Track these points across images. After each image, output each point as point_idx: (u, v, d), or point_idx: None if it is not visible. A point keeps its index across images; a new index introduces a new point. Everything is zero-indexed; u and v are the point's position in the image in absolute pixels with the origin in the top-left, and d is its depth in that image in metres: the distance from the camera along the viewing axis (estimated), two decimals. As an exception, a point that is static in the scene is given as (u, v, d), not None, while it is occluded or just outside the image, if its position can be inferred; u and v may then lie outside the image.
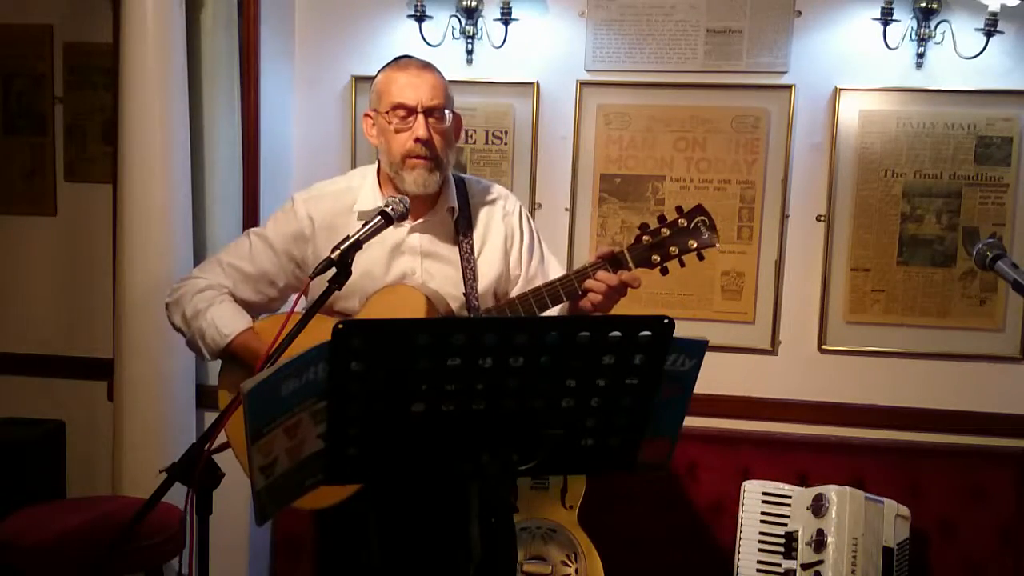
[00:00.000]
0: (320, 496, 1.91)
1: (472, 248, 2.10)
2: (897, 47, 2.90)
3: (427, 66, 2.06)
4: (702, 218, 1.98)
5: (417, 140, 1.98)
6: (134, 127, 2.85)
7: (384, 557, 2.03)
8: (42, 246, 3.38)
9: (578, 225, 3.13)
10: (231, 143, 3.06)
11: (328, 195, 2.11)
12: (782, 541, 2.80)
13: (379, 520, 2.02)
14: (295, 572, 3.14)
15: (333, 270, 1.72)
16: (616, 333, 1.47)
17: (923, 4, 2.84)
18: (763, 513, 2.85)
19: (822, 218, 3.03)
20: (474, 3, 2.98)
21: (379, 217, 1.82)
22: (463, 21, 3.02)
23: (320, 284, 1.74)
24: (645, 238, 1.99)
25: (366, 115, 2.10)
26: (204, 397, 3.05)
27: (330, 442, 1.49)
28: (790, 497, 2.83)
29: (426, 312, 1.97)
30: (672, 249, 1.98)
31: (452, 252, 2.09)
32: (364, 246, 2.03)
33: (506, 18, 2.99)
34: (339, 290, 1.75)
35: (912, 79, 2.96)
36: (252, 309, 2.11)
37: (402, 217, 1.87)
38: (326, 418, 1.46)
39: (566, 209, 3.13)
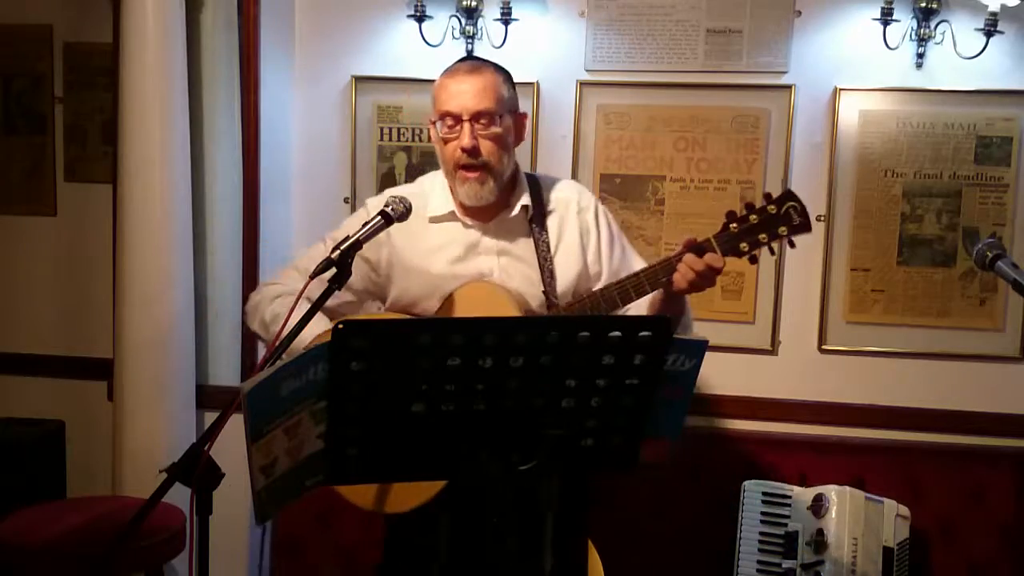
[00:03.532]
0: (396, 500, 1.91)
1: (548, 246, 2.05)
2: (897, 47, 2.90)
3: (478, 68, 2.00)
4: (793, 204, 1.90)
5: (463, 150, 1.95)
6: (134, 127, 2.85)
7: (452, 567, 1.95)
8: (42, 246, 3.38)
9: (578, 225, 3.13)
10: (231, 142, 3.06)
11: None
12: (782, 541, 2.80)
13: (451, 527, 1.93)
14: (295, 572, 3.14)
15: (333, 270, 1.72)
16: (616, 333, 1.47)
17: (923, 4, 2.84)
18: (763, 513, 2.85)
19: (822, 218, 3.02)
20: (474, 3, 2.97)
21: (379, 217, 1.82)
22: (463, 21, 3.02)
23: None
24: (732, 226, 1.91)
25: (430, 121, 2.07)
26: (204, 397, 3.06)
27: (330, 442, 1.49)
28: (790, 497, 2.83)
29: (511, 310, 1.93)
30: (762, 236, 1.90)
31: (529, 251, 2.05)
32: (439, 245, 2.02)
33: (506, 18, 2.99)
34: (339, 289, 1.73)
35: (912, 79, 2.95)
36: (329, 314, 2.04)
37: (402, 217, 1.86)
38: (326, 418, 1.47)
39: (566, 209, 3.13)
